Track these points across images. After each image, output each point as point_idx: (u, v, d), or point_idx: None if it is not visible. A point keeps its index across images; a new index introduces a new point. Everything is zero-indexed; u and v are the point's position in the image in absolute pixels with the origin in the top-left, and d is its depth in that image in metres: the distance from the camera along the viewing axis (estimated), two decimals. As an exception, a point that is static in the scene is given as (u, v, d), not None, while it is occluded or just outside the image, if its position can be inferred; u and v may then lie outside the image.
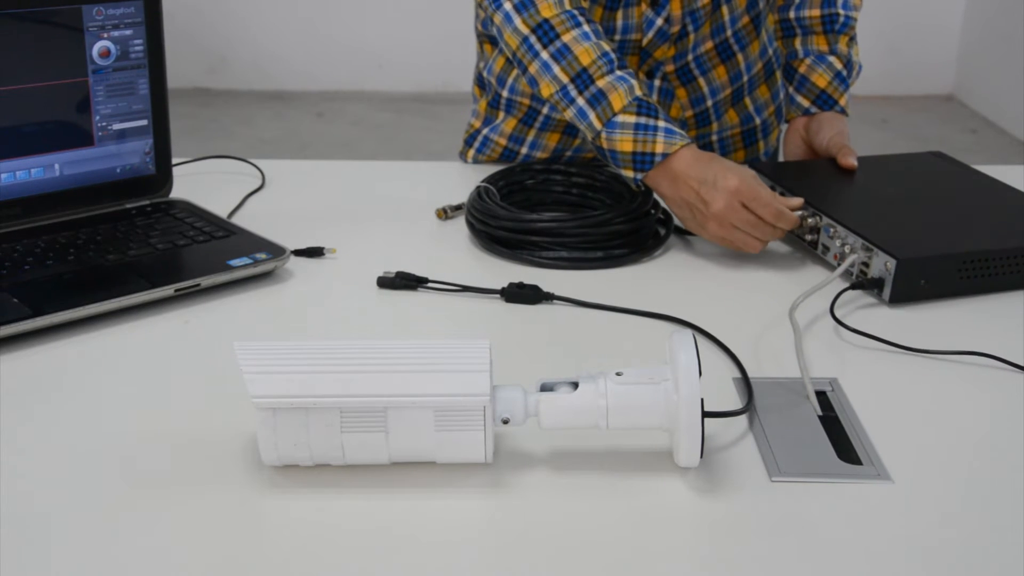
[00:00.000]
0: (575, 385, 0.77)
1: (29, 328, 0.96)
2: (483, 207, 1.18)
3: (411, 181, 1.39)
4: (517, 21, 1.20)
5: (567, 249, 1.14)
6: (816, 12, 1.37)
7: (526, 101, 1.41)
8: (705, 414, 0.75)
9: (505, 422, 0.76)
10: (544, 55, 1.19)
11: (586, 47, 1.18)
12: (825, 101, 1.34)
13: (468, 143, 1.49)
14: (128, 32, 1.18)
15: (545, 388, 0.78)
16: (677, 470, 0.78)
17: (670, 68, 1.35)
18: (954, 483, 0.78)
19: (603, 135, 1.17)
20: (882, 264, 1.04)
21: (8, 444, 0.81)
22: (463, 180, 1.37)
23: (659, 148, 1.15)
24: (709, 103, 1.40)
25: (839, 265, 1.08)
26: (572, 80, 1.18)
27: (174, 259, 1.11)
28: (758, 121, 1.45)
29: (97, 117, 1.18)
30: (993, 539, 0.72)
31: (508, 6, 1.21)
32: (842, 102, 1.35)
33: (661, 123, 1.16)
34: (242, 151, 1.57)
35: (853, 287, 1.06)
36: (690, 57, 1.36)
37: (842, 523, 0.73)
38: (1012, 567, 0.69)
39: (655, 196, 1.21)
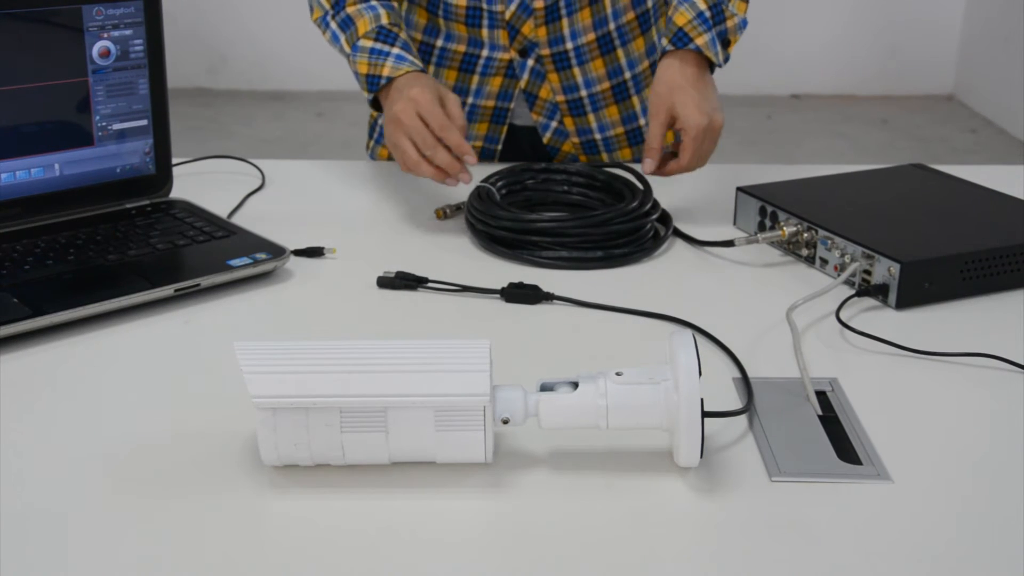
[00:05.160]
0: (575, 385, 0.77)
1: (29, 328, 0.96)
2: (483, 207, 1.18)
3: (411, 181, 1.39)
4: None
5: (567, 249, 1.14)
6: None
7: None
8: (705, 414, 0.75)
9: (505, 422, 0.76)
10: None
11: None
12: (680, 39, 1.21)
13: (370, 134, 1.52)
14: (128, 32, 1.18)
15: (545, 388, 0.78)
16: (677, 470, 0.78)
17: (546, 52, 1.37)
18: (954, 483, 0.78)
19: (350, 57, 1.27)
20: (885, 270, 1.04)
21: (8, 444, 0.81)
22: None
23: (386, 71, 1.23)
24: (583, 93, 1.40)
25: (839, 275, 1.08)
26: (331, 5, 1.30)
27: (174, 259, 1.11)
28: (643, 122, 1.45)
29: (97, 117, 1.18)
30: (993, 539, 0.72)
31: None
32: (699, 41, 1.21)
33: (395, 50, 1.25)
34: (242, 151, 1.57)
35: (859, 294, 1.06)
36: (570, 45, 1.36)
37: (842, 523, 0.73)
38: (1012, 568, 0.69)
39: (654, 196, 1.21)
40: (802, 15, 5.01)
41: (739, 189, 1.24)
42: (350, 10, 1.28)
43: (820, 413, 0.86)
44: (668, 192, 1.31)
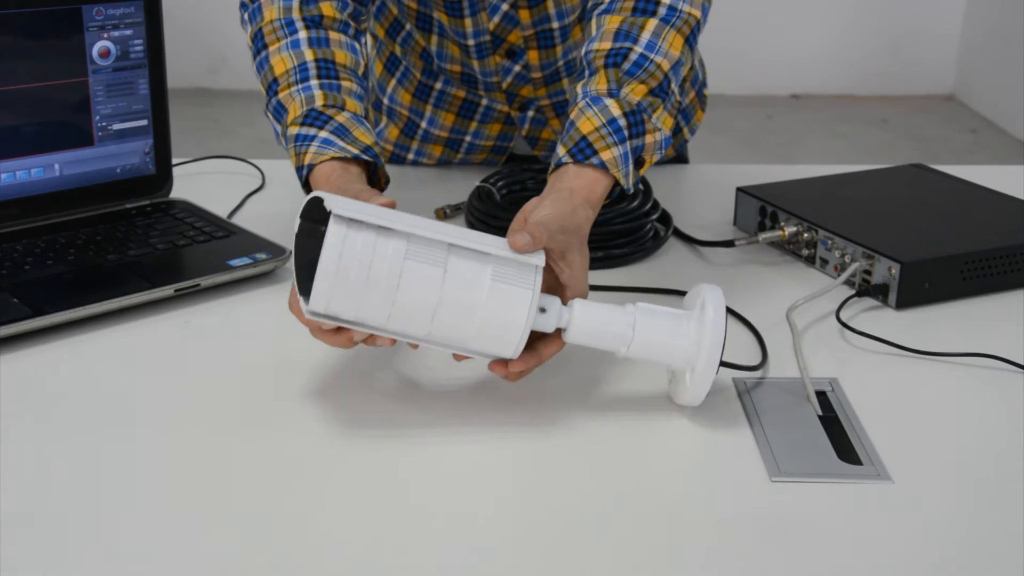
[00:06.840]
0: None
1: (29, 328, 0.96)
2: (483, 207, 1.18)
3: (410, 181, 1.39)
4: (248, 28, 1.10)
5: (567, 249, 1.14)
6: (606, 45, 0.99)
7: (405, 112, 1.40)
8: (722, 364, 0.82)
9: (543, 311, 0.81)
10: (254, 65, 1.07)
11: (283, 57, 1.04)
12: (582, 150, 0.93)
13: None
14: (128, 32, 1.18)
15: None
16: (678, 471, 0.78)
17: (546, 103, 1.34)
18: (954, 483, 0.78)
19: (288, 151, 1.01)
20: (885, 270, 1.04)
21: (7, 444, 0.81)
22: (462, 180, 1.37)
23: (307, 159, 0.96)
24: None
25: (839, 275, 1.08)
26: (266, 91, 1.05)
27: (174, 259, 1.11)
28: None
29: (97, 117, 1.18)
30: (993, 539, 0.72)
31: (245, 14, 1.10)
32: (606, 156, 0.92)
33: (323, 133, 0.97)
34: (242, 151, 1.56)
35: (859, 294, 1.06)
36: (569, 95, 1.33)
37: (842, 523, 0.73)
38: (1012, 568, 0.69)
39: (654, 196, 1.21)
40: (802, 15, 5.01)
41: (739, 189, 1.24)
42: (282, 95, 1.02)
43: (820, 413, 0.86)
44: (668, 192, 1.30)
